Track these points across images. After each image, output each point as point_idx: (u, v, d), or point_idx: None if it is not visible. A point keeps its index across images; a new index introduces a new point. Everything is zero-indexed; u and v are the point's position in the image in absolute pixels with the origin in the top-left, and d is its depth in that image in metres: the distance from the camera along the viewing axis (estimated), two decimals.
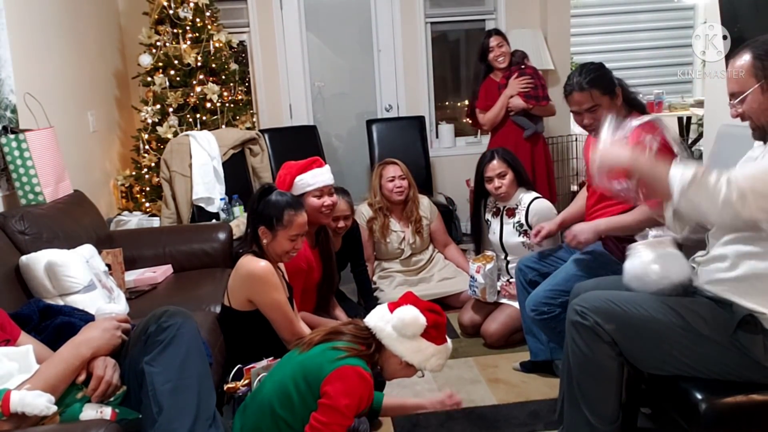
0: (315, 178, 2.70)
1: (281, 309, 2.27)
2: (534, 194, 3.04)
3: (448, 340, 1.88)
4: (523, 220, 3.00)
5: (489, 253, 3.08)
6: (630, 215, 2.24)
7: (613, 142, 1.71)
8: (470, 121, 4.09)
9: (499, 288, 3.04)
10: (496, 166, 2.98)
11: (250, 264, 2.26)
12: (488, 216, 3.19)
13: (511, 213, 3.06)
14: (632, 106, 2.34)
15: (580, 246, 2.39)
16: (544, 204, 3.00)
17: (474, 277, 3.02)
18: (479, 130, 4.87)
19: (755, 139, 1.74)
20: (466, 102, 5.08)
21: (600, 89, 2.24)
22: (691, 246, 1.88)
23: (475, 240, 3.28)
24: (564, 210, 2.74)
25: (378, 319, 1.86)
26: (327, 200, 2.72)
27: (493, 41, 3.73)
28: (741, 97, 1.66)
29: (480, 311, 3.08)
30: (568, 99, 2.32)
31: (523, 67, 3.78)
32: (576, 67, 2.35)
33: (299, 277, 2.60)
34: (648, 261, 1.82)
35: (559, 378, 2.54)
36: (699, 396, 1.64)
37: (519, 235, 3.03)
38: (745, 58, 1.66)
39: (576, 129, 4.53)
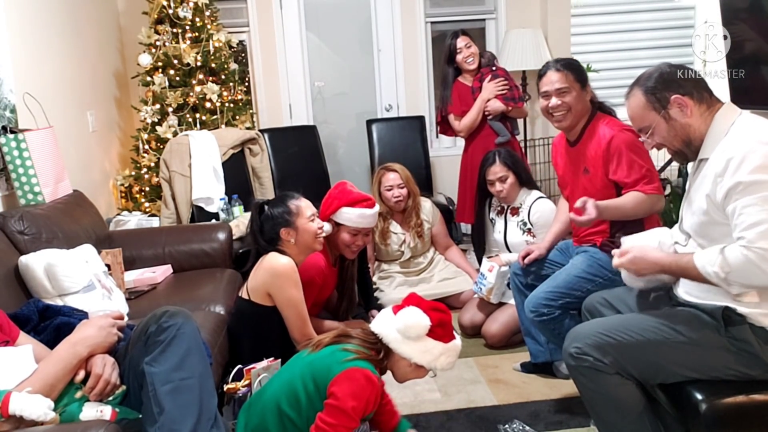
0: (360, 218, 2.69)
1: (297, 307, 2.33)
2: (536, 194, 3.05)
3: (457, 336, 1.86)
4: (526, 219, 3.02)
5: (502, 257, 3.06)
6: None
7: (641, 250, 1.77)
8: (439, 129, 3.90)
9: (504, 290, 3.02)
10: (497, 170, 2.99)
11: (274, 259, 2.35)
12: (492, 215, 3.21)
13: (515, 212, 3.08)
14: (601, 109, 2.42)
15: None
16: (546, 205, 3.01)
17: (484, 274, 3.00)
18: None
19: (678, 162, 1.79)
20: None
21: (574, 74, 2.36)
22: None
23: (478, 240, 3.28)
24: (550, 230, 2.72)
25: (383, 324, 1.85)
26: (359, 241, 2.73)
27: (461, 42, 3.58)
28: (649, 131, 1.75)
29: (481, 311, 3.07)
30: (542, 79, 2.41)
31: (494, 69, 3.65)
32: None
33: (311, 289, 2.59)
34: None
35: (560, 379, 2.56)
36: (699, 396, 1.64)
37: (523, 234, 3.04)
38: (637, 96, 1.75)
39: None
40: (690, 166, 1.82)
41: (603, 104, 2.45)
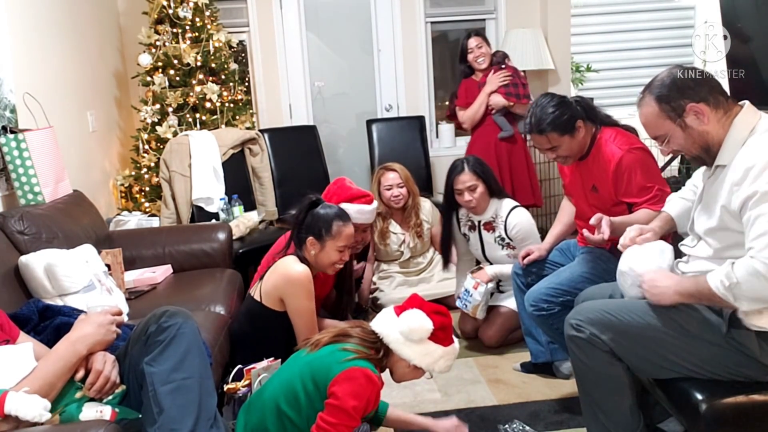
0: (358, 213, 2.72)
1: (307, 317, 2.32)
2: (510, 205, 2.92)
3: (455, 340, 1.88)
4: (503, 234, 2.92)
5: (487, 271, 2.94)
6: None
7: (654, 280, 1.72)
8: (452, 121, 4.13)
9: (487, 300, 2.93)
10: (466, 179, 2.84)
11: (291, 266, 2.32)
12: (465, 230, 3.07)
13: (490, 227, 2.95)
14: (601, 123, 2.35)
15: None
16: (522, 215, 2.89)
17: (469, 291, 2.88)
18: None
19: (697, 166, 1.77)
20: None
21: (557, 132, 2.25)
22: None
23: (444, 253, 3.13)
24: (551, 231, 2.69)
25: (385, 324, 1.85)
26: (358, 236, 2.73)
27: (473, 42, 3.74)
28: (665, 140, 1.70)
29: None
30: (530, 136, 2.35)
31: (503, 66, 3.78)
32: (534, 103, 2.31)
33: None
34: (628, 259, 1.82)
35: (560, 379, 2.57)
36: (699, 396, 1.64)
37: (502, 249, 2.94)
38: (650, 104, 1.68)
39: None
40: (704, 169, 1.78)
41: (607, 118, 2.37)
